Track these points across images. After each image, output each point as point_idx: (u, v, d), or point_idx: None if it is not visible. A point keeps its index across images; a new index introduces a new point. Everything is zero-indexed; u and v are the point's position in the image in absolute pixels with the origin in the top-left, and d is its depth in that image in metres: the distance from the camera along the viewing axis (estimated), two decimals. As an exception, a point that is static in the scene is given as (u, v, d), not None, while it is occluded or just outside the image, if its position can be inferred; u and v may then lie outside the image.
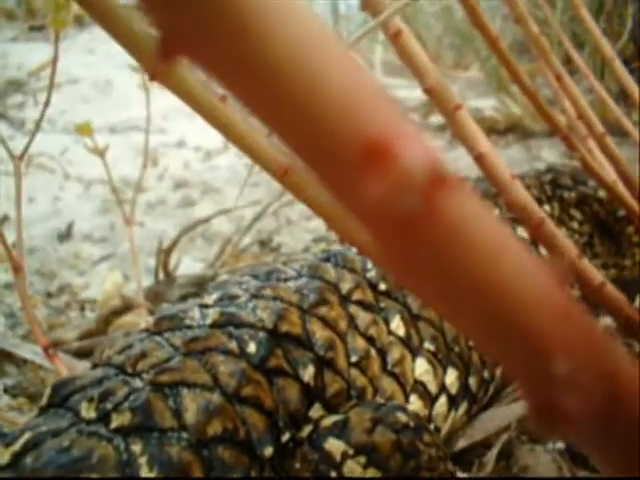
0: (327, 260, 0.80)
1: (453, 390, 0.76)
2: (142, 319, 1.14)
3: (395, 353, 0.73)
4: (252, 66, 0.14)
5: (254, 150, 0.54)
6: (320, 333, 0.68)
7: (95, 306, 1.36)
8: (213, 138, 2.49)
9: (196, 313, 0.65)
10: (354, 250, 0.84)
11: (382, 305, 0.78)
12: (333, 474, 0.57)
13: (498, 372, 0.85)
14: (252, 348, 0.62)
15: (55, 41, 1.09)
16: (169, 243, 1.15)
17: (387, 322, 0.76)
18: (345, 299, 0.75)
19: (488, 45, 0.95)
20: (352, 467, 0.58)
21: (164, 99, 2.86)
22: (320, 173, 0.15)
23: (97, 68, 3.06)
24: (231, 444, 0.54)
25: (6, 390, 1.08)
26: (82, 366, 1.09)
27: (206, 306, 0.67)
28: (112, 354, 0.61)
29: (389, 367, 0.72)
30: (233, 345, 0.61)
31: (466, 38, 2.70)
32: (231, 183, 2.01)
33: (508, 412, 0.81)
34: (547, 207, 1.19)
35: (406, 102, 2.85)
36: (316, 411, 0.64)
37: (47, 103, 1.13)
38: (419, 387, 0.73)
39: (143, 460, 0.50)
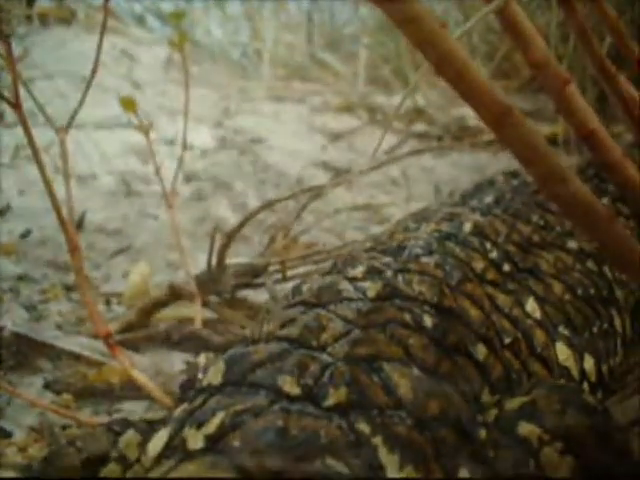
0: (447, 239, 0.74)
1: (592, 378, 0.71)
2: (195, 309, 1.06)
3: (539, 336, 0.68)
4: None
5: (471, 89, 0.48)
6: (473, 311, 0.62)
7: (122, 299, 1.26)
8: (203, 137, 2.41)
9: (348, 286, 0.59)
10: (466, 230, 0.78)
11: (510, 287, 0.72)
12: (531, 462, 0.51)
13: (618, 359, 0.80)
14: (428, 322, 0.55)
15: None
16: (232, 229, 1.07)
17: (521, 304, 0.70)
18: (480, 278, 0.69)
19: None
20: (549, 454, 0.52)
21: (144, 99, 2.75)
22: None
23: (70, 64, 2.94)
24: (448, 424, 0.47)
25: (47, 386, 0.98)
26: (137, 359, 1.00)
27: (355, 279, 0.60)
28: (274, 328, 0.53)
29: (538, 351, 0.66)
30: (408, 318, 0.55)
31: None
32: (239, 179, 1.94)
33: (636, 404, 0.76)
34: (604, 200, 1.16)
35: (388, 109, 2.82)
36: (485, 395, 0.57)
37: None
38: (565, 373, 0.68)
39: (378, 440, 0.43)
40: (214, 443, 0.42)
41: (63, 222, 0.88)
